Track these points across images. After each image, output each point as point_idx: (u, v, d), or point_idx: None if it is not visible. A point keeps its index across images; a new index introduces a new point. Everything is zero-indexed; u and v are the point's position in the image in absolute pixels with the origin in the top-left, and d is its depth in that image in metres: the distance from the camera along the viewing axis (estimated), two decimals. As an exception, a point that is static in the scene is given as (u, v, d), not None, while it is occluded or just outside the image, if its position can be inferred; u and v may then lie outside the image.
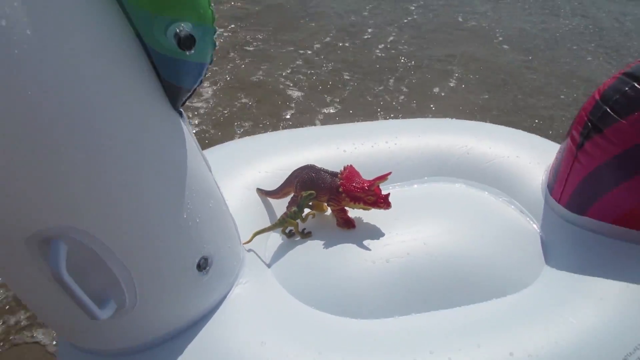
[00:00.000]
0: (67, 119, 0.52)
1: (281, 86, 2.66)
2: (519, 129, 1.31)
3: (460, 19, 3.71)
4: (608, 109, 0.89)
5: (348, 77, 2.76)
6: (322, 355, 0.74)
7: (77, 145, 0.54)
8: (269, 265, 0.91)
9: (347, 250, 0.92)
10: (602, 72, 2.95)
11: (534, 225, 1.03)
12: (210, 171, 0.77)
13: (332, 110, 2.43)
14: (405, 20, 3.61)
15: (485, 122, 1.42)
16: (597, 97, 0.92)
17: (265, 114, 2.40)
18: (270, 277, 0.88)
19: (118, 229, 0.62)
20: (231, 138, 2.12)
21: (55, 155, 0.53)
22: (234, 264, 0.83)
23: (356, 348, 0.76)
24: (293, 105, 2.49)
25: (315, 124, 2.31)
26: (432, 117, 2.37)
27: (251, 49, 3.10)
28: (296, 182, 0.99)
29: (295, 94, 2.59)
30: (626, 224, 0.92)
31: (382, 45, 3.20)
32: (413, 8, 3.86)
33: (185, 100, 0.69)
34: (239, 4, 3.82)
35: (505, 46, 3.31)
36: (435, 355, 0.75)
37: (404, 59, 3.00)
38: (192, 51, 0.59)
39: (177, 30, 0.57)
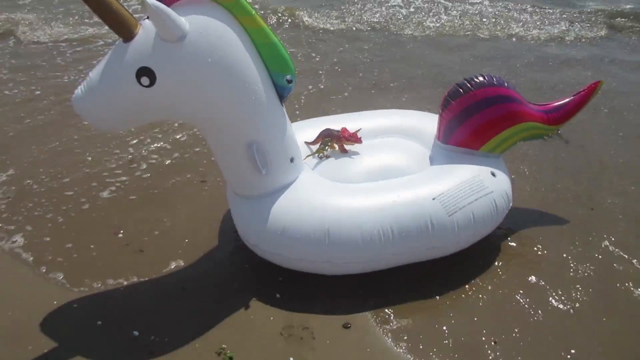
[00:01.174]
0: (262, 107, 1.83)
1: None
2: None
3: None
4: (449, 98, 2.16)
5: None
6: (340, 192, 1.98)
7: (264, 117, 1.84)
8: (312, 168, 2.18)
9: (344, 161, 2.21)
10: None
11: (429, 152, 2.29)
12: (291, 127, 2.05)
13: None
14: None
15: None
16: (446, 94, 2.19)
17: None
18: (313, 171, 2.14)
19: (272, 143, 1.89)
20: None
21: (264, 120, 1.84)
22: (301, 164, 2.08)
23: (353, 191, 2.00)
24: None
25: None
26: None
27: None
28: (322, 135, 2.26)
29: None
30: (462, 145, 2.18)
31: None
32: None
33: (284, 101, 1.96)
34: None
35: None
36: (384, 192, 1.99)
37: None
38: (291, 84, 1.87)
39: (288, 77, 1.85)
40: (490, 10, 6.32)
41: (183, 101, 1.71)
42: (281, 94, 1.91)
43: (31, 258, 2.25)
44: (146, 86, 1.63)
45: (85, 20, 5.47)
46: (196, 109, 1.76)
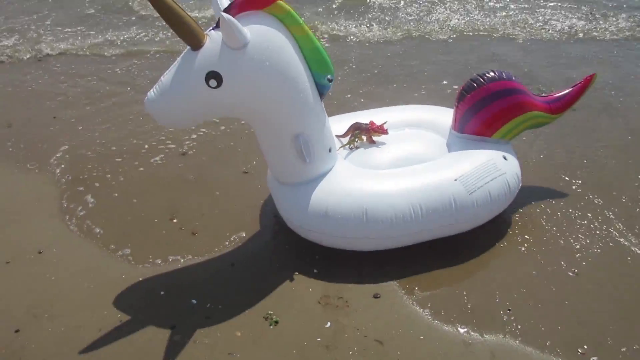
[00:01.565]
0: (307, 102, 2.12)
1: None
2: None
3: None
4: (464, 92, 2.42)
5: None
6: (373, 177, 2.25)
7: (309, 112, 2.13)
8: (344, 158, 2.45)
9: (373, 150, 2.48)
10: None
11: (445, 141, 2.55)
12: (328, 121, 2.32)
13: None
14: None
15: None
16: (461, 88, 2.45)
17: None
18: (346, 161, 2.41)
19: (315, 135, 2.17)
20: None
21: (309, 114, 2.13)
22: (336, 155, 2.36)
23: (384, 176, 2.26)
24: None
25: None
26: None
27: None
28: (352, 128, 2.54)
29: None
30: (476, 133, 2.44)
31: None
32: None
33: (323, 97, 2.23)
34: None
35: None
36: (412, 176, 2.25)
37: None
38: (331, 82, 2.15)
39: (328, 77, 2.13)
40: (512, 7, 6.49)
41: (244, 99, 1.99)
42: (321, 91, 2.18)
43: (102, 232, 2.59)
44: (214, 87, 1.90)
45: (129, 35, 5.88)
46: (255, 106, 2.04)
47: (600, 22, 5.91)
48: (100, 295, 2.18)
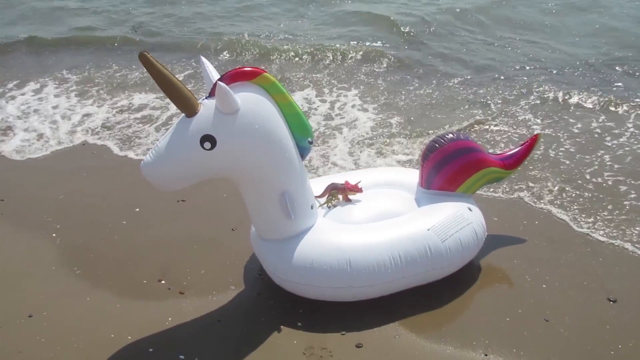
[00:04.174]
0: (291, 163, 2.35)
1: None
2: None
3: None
4: (427, 152, 2.70)
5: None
6: (354, 230, 2.44)
7: (293, 171, 2.35)
8: (323, 216, 2.64)
9: (349, 207, 2.69)
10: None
11: (414, 197, 2.78)
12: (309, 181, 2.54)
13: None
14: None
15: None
16: (425, 149, 2.73)
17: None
18: (325, 218, 2.60)
19: (298, 193, 2.37)
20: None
21: (292, 173, 2.35)
22: (317, 212, 2.55)
23: (364, 229, 2.46)
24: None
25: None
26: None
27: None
28: (329, 188, 2.76)
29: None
30: (441, 189, 2.69)
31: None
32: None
33: (304, 158, 2.45)
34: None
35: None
36: (385, 227, 2.46)
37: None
38: (311, 145, 2.40)
39: (309, 140, 2.38)
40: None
41: (236, 159, 2.19)
42: (302, 153, 2.42)
43: (92, 293, 2.64)
44: (208, 149, 2.10)
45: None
46: (245, 166, 2.24)
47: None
48: (91, 356, 2.21)
